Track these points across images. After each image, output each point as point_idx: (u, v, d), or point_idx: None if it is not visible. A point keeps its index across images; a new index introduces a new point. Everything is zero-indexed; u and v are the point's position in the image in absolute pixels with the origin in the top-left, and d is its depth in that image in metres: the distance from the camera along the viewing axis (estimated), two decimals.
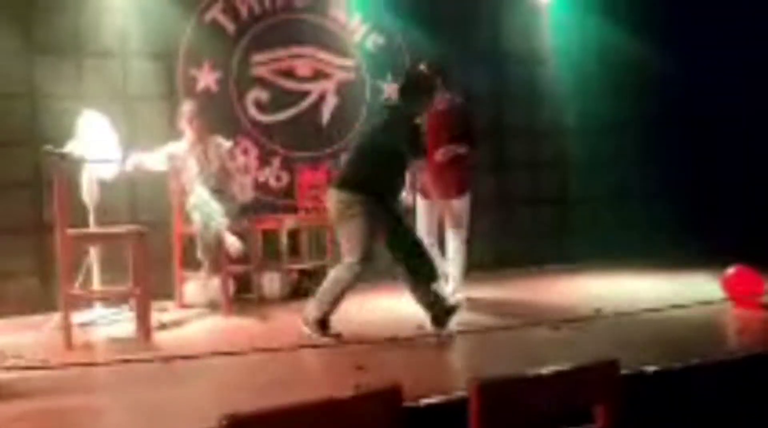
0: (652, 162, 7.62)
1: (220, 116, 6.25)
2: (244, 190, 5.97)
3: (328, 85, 6.77)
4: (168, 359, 4.11)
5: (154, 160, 5.69)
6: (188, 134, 5.79)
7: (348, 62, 6.85)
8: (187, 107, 5.83)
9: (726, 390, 3.41)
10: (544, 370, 2.12)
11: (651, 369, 3.35)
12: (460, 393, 2.93)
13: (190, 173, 5.75)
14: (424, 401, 2.98)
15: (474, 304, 5.37)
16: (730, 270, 5.00)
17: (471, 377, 1.97)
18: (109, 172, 5.43)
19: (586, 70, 7.43)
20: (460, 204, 5.43)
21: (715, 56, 7.36)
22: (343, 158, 6.63)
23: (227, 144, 5.93)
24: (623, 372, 2.33)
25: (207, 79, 6.37)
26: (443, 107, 5.39)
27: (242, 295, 5.99)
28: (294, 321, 4.54)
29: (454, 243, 5.45)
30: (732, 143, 7.46)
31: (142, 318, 4.72)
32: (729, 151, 7.48)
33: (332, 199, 4.49)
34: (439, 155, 5.31)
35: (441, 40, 6.83)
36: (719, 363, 3.53)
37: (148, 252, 4.88)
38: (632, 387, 3.05)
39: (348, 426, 1.77)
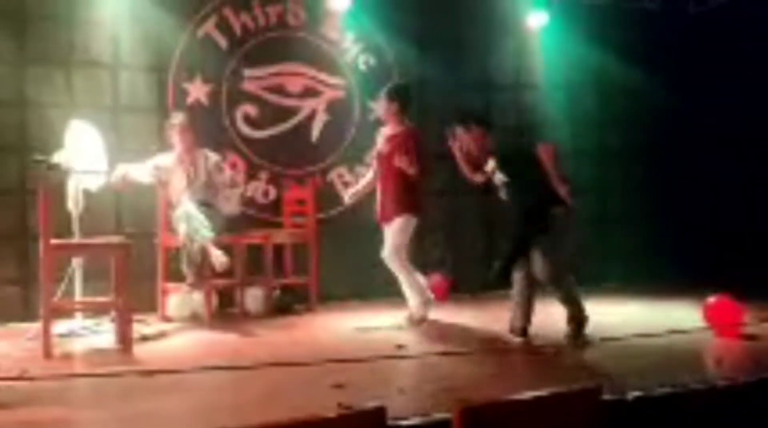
0: (637, 189, 7.68)
1: (209, 129, 6.25)
2: (231, 204, 5.96)
3: (319, 103, 6.79)
4: (148, 372, 4.08)
5: (141, 172, 5.68)
6: (177, 146, 5.79)
7: (339, 81, 6.87)
8: (177, 119, 5.83)
9: (706, 418, 3.42)
10: (528, 394, 2.12)
11: (632, 395, 3.36)
12: (442, 415, 2.93)
13: (177, 185, 5.75)
14: (406, 422, 2.97)
15: (458, 327, 5.38)
16: (711, 299, 5.03)
17: (454, 400, 1.97)
18: (95, 182, 5.41)
19: (576, 96, 7.50)
20: (393, 226, 5.45)
21: (708, 84, 7.44)
22: (334, 175, 6.74)
23: (215, 157, 5.94)
24: (605, 397, 2.34)
25: (198, 92, 6.38)
26: (398, 132, 5.49)
27: (225, 309, 5.96)
28: (275, 337, 4.51)
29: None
30: (720, 172, 7.53)
31: (124, 330, 4.69)
32: (717, 181, 7.54)
33: (547, 212, 4.91)
34: (401, 160, 5.34)
35: (432, 63, 6.88)
36: (700, 391, 3.54)
37: (132, 264, 4.85)
38: (614, 412, 3.06)
39: None
